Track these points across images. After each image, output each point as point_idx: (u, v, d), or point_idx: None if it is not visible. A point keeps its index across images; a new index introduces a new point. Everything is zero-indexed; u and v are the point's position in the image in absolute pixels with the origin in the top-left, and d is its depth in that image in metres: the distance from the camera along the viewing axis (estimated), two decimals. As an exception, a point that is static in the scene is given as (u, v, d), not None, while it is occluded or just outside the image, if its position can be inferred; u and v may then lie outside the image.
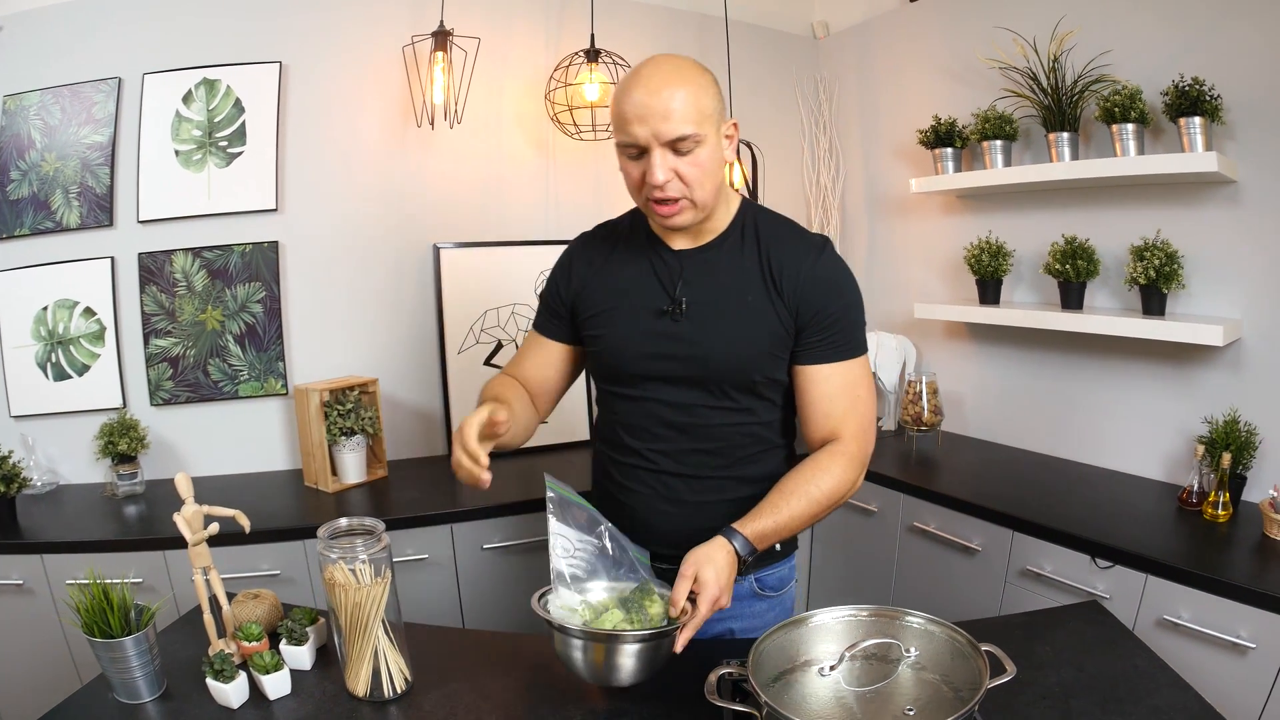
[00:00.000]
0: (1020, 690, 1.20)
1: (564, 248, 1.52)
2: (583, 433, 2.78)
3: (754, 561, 1.37)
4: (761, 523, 1.24)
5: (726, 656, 1.19)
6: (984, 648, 1.05)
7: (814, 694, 1.05)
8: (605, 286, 1.41)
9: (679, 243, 1.36)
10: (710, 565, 1.17)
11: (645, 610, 1.17)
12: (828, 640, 1.13)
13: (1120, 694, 1.20)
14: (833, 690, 1.05)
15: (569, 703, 1.22)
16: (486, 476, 1.21)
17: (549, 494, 1.21)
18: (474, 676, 1.30)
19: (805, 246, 1.34)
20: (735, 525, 1.23)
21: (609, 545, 1.25)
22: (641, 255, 1.39)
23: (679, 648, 1.14)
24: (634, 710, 1.19)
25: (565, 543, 1.20)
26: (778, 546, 1.44)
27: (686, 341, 1.33)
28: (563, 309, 1.47)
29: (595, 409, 1.54)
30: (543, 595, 1.21)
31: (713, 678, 1.06)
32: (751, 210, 1.39)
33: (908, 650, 1.08)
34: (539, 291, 1.53)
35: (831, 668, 1.04)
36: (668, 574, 1.36)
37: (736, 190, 1.42)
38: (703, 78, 1.24)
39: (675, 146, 1.20)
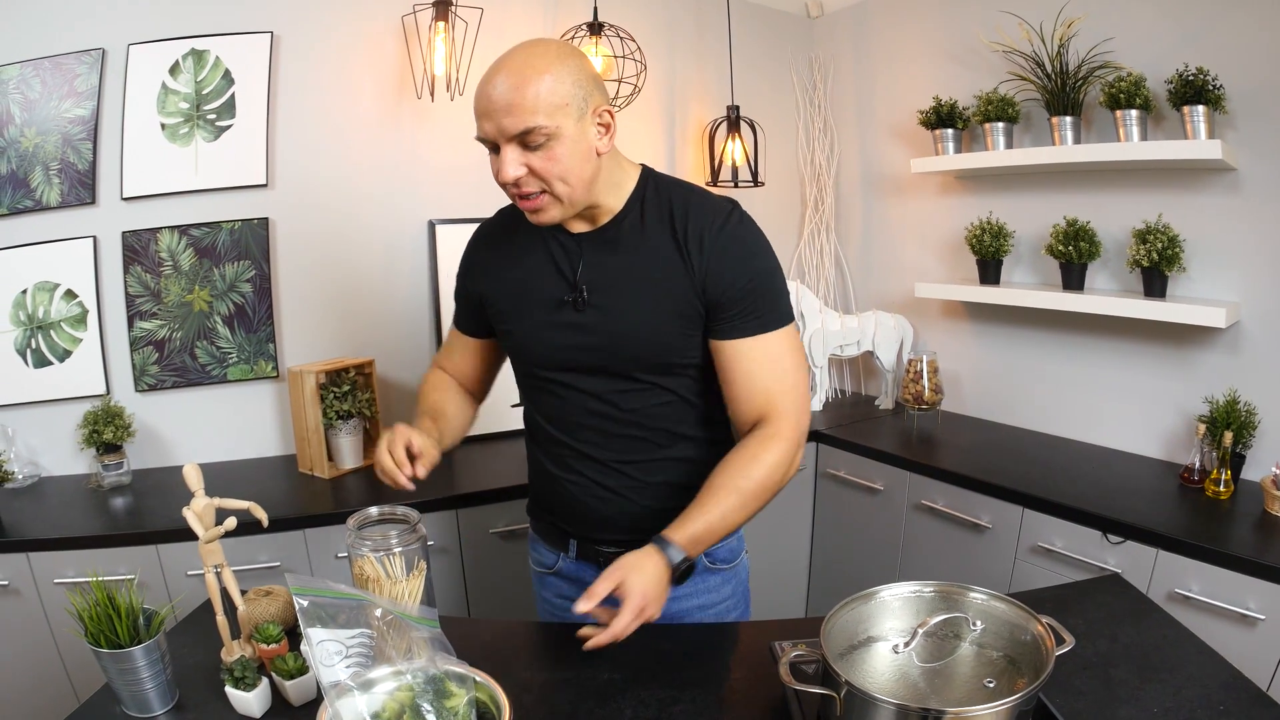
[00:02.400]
0: (1063, 661, 1.19)
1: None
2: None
3: None
4: (693, 526, 1.20)
5: (768, 638, 1.16)
6: (1045, 620, 1.06)
7: (880, 671, 1.05)
8: (506, 280, 1.35)
9: (577, 226, 1.28)
10: (638, 573, 1.14)
11: (448, 710, 1.00)
12: (891, 617, 1.12)
13: (1155, 663, 1.23)
14: (901, 667, 1.05)
15: (616, 693, 1.18)
16: (404, 481, 1.26)
17: (298, 602, 1.04)
18: (507, 669, 1.23)
19: (712, 212, 1.25)
20: (665, 533, 1.20)
21: (385, 629, 1.07)
22: (540, 243, 1.31)
23: (590, 646, 1.13)
24: (686, 699, 1.15)
25: (335, 646, 1.05)
26: None
27: (591, 331, 1.27)
28: (472, 306, 1.44)
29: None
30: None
31: (785, 661, 1.04)
32: (652, 181, 1.30)
33: (974, 625, 1.08)
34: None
35: (906, 644, 1.04)
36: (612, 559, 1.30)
37: (637, 164, 1.33)
38: (557, 64, 1.13)
39: (524, 141, 1.13)
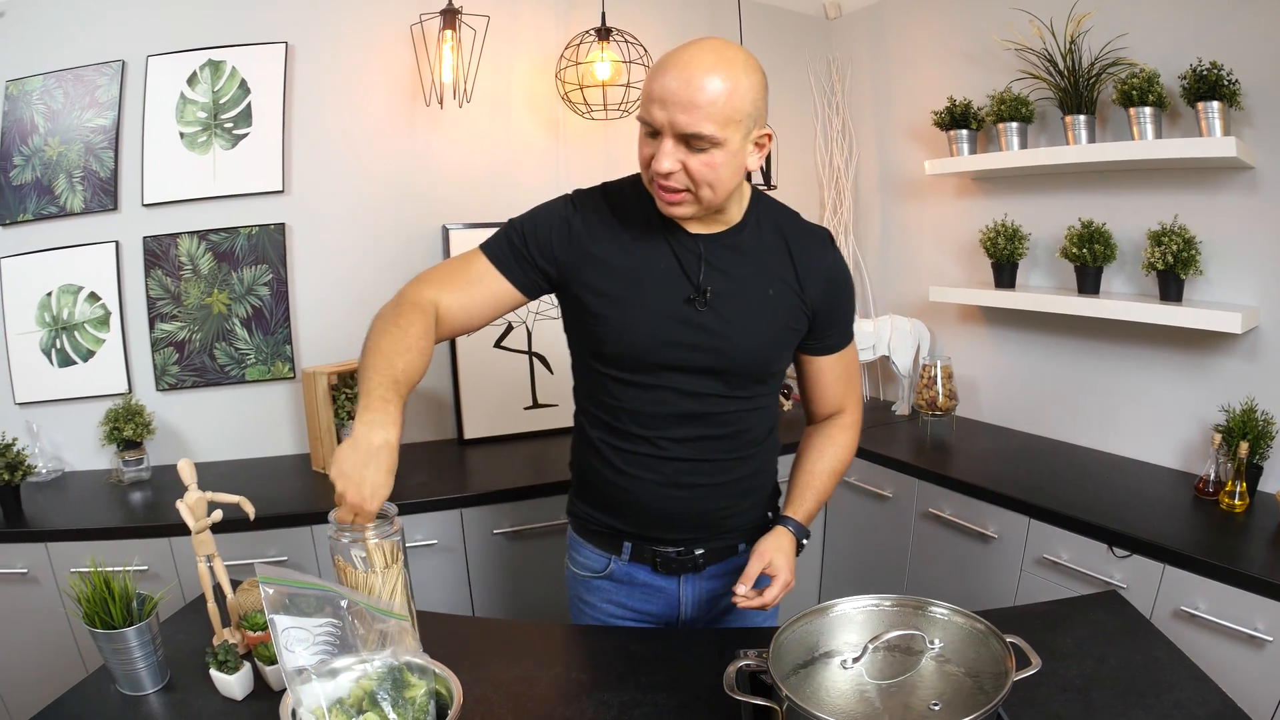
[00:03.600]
0: (1041, 682, 1.18)
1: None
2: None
3: (753, 533, 1.45)
4: (807, 505, 1.40)
5: (737, 645, 1.17)
6: (1009, 639, 1.03)
7: (835, 686, 1.04)
8: (614, 261, 1.28)
9: (695, 226, 1.28)
10: (781, 553, 1.33)
11: (406, 699, 1.01)
12: (849, 631, 1.11)
13: (1141, 687, 1.19)
14: (854, 683, 1.03)
15: (582, 694, 1.20)
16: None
17: (264, 590, 1.02)
18: (483, 666, 1.27)
19: (818, 242, 1.37)
20: (787, 513, 1.39)
21: (353, 620, 1.07)
22: (657, 234, 1.28)
23: (742, 605, 1.29)
24: (650, 701, 1.17)
25: (301, 634, 1.03)
26: (769, 514, 1.51)
27: (710, 332, 1.28)
28: (540, 261, 1.30)
29: (577, 390, 1.44)
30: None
31: (732, 670, 1.04)
32: (762, 200, 1.36)
33: (931, 642, 1.06)
34: (512, 220, 1.34)
35: (855, 659, 1.02)
36: (673, 560, 1.41)
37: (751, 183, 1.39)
38: (747, 78, 1.13)
39: (690, 142, 1.13)
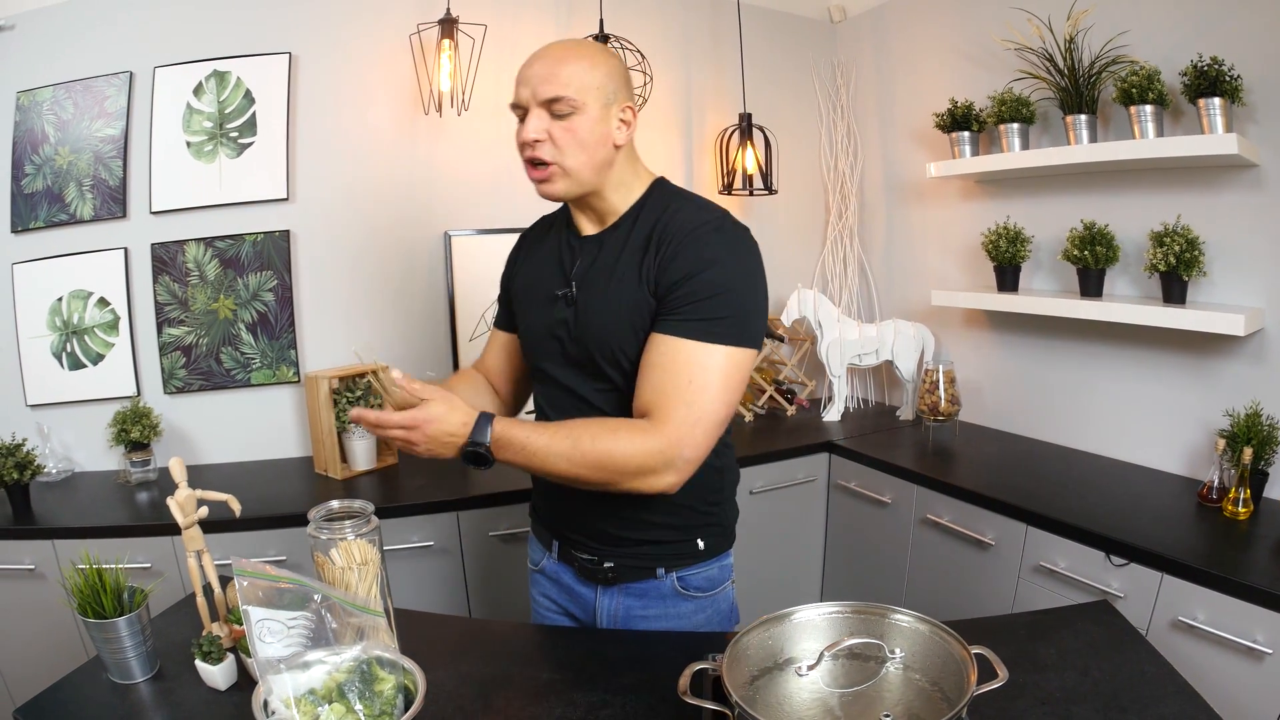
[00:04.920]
0: (1018, 694, 1.16)
1: None
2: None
3: (674, 560, 1.38)
4: (516, 430, 1.19)
5: (712, 650, 1.16)
6: (975, 650, 1.01)
7: (793, 695, 1.03)
8: (524, 274, 1.46)
9: (587, 228, 1.37)
10: (442, 406, 1.17)
11: (374, 692, 1.03)
12: (810, 638, 1.10)
13: (1124, 701, 1.16)
14: (814, 691, 1.02)
15: (551, 693, 1.21)
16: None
17: (238, 582, 1.05)
18: (460, 663, 1.29)
19: (693, 217, 1.26)
20: (493, 416, 1.19)
21: (327, 615, 1.09)
22: (555, 243, 1.41)
23: (351, 416, 1.21)
24: (618, 703, 1.17)
25: (275, 626, 1.06)
26: (700, 544, 1.39)
27: (570, 323, 1.33)
28: (506, 303, 1.55)
29: None
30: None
31: (687, 674, 1.03)
32: (660, 190, 1.34)
33: (893, 651, 1.05)
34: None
35: (810, 667, 1.01)
36: (586, 567, 1.43)
37: (654, 175, 1.38)
38: (598, 56, 1.27)
39: (551, 108, 1.23)
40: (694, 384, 1.18)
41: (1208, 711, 1.13)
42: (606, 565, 1.40)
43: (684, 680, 1.02)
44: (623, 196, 1.33)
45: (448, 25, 2.37)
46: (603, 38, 2.49)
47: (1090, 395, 2.37)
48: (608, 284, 1.29)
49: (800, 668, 1.02)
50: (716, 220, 1.26)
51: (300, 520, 2.06)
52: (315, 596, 1.10)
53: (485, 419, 1.18)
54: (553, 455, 1.18)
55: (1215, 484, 1.90)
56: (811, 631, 1.11)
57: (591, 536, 1.40)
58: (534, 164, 1.27)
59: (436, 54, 2.43)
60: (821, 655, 1.01)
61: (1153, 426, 2.20)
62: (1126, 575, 1.77)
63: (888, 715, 0.95)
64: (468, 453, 1.18)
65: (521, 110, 1.27)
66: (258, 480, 2.36)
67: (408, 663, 1.06)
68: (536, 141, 1.24)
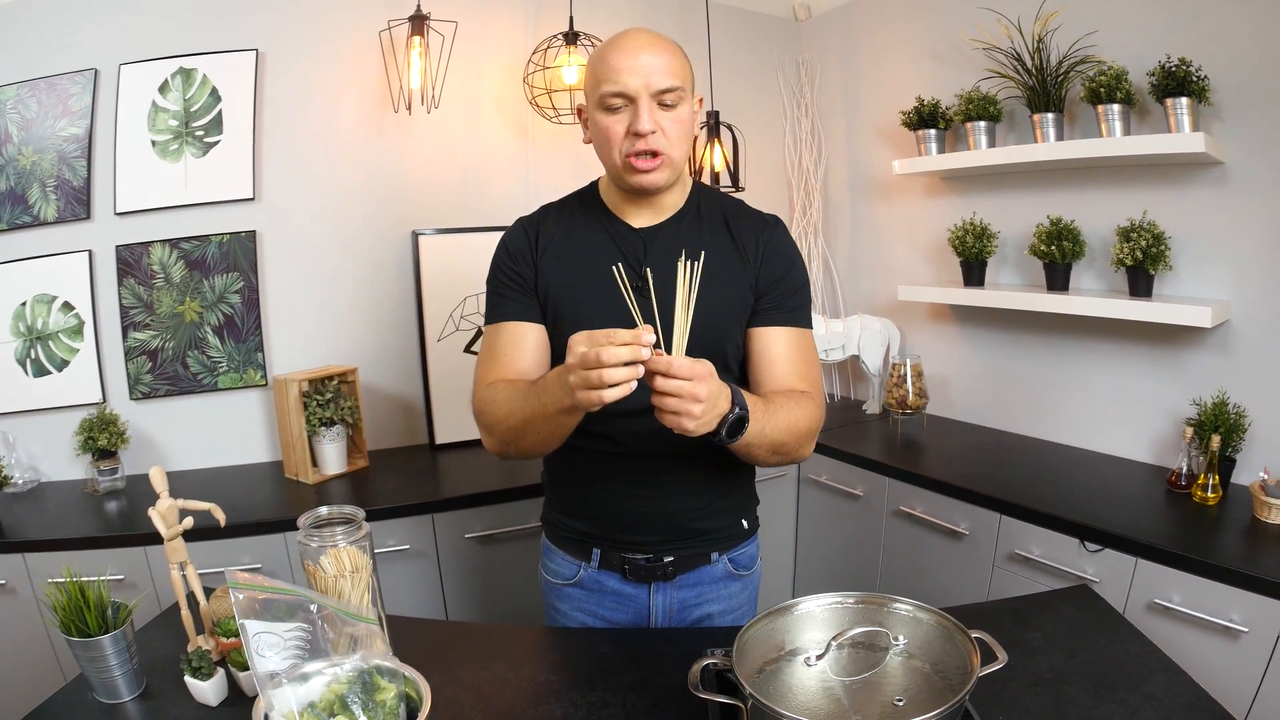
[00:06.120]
0: (1011, 677, 1.19)
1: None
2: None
3: (726, 542, 1.42)
4: (755, 402, 1.18)
5: (709, 645, 1.17)
6: (974, 634, 1.03)
7: (800, 684, 1.04)
8: (566, 262, 1.35)
9: (638, 220, 1.35)
10: (714, 383, 1.08)
11: (376, 702, 1.01)
12: (814, 628, 1.11)
13: (1113, 680, 1.19)
14: (819, 680, 1.03)
15: (551, 695, 1.20)
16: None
17: (233, 595, 1.03)
18: (455, 668, 1.28)
19: (762, 221, 1.39)
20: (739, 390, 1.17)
21: (323, 624, 1.07)
22: (602, 231, 1.36)
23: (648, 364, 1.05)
24: (619, 701, 1.17)
25: (272, 639, 1.04)
26: (744, 523, 1.46)
27: (653, 320, 1.24)
28: (529, 275, 1.36)
29: None
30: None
31: (696, 669, 1.04)
32: (703, 189, 1.42)
33: (896, 638, 1.06)
34: (488, 280, 1.42)
35: (818, 657, 1.02)
36: (641, 567, 1.39)
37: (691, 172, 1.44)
38: (680, 47, 1.29)
39: (662, 99, 1.23)
40: (813, 363, 1.37)
41: (1194, 687, 1.16)
42: (667, 560, 1.39)
43: (694, 674, 1.02)
44: (680, 193, 1.37)
45: (418, 22, 2.35)
46: (573, 36, 2.48)
47: (1058, 387, 2.43)
48: (705, 280, 1.17)
49: (809, 657, 1.03)
50: (775, 219, 1.41)
51: (273, 527, 2.05)
52: (311, 606, 1.07)
53: (735, 392, 1.14)
54: (778, 426, 1.21)
55: (1184, 471, 1.96)
56: (814, 622, 1.12)
57: (653, 534, 1.39)
58: (644, 155, 1.25)
59: (407, 51, 2.40)
60: (829, 644, 1.02)
61: (1120, 417, 2.26)
62: (1101, 560, 1.82)
63: (900, 699, 0.97)
64: (735, 419, 1.13)
65: (624, 100, 1.23)
66: (227, 487, 2.31)
67: (409, 671, 1.04)
68: (652, 133, 1.24)
